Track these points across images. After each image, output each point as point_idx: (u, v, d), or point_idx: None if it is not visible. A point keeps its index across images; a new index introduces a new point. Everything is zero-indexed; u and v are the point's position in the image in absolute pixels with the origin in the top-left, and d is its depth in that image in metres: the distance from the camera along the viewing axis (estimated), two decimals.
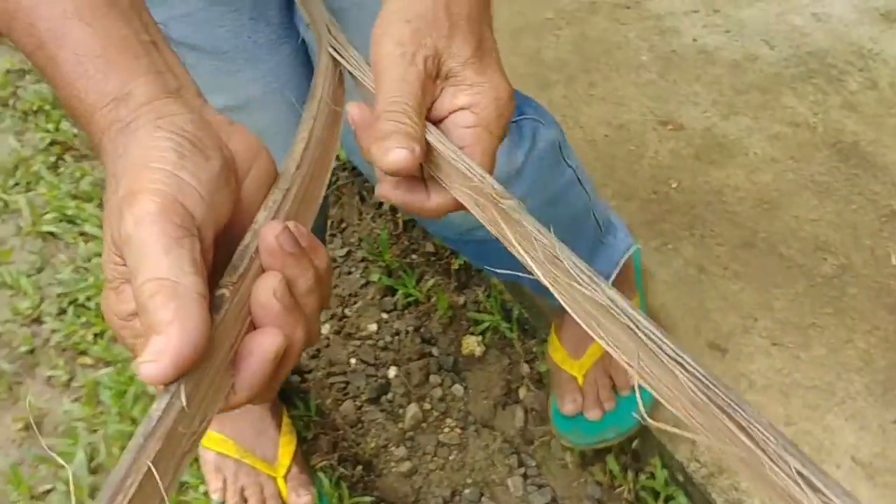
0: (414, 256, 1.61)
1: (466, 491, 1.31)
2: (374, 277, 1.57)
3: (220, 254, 0.43)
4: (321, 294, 0.44)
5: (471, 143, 0.52)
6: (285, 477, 1.24)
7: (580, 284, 0.43)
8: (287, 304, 0.41)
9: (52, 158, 1.79)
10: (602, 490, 1.26)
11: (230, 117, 0.69)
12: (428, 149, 0.52)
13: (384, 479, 1.33)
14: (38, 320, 1.50)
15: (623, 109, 1.66)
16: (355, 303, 1.56)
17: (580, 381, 1.25)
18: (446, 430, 1.38)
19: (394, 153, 0.49)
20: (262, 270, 0.42)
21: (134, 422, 1.34)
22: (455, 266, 1.55)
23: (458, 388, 1.43)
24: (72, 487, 1.32)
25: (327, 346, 1.51)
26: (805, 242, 1.40)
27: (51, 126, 1.84)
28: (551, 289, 0.45)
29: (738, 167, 1.54)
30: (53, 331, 1.47)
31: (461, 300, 1.53)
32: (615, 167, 1.55)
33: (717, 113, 1.65)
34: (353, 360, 1.48)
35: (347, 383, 1.45)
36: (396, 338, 1.51)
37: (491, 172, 0.52)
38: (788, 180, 1.50)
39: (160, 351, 0.36)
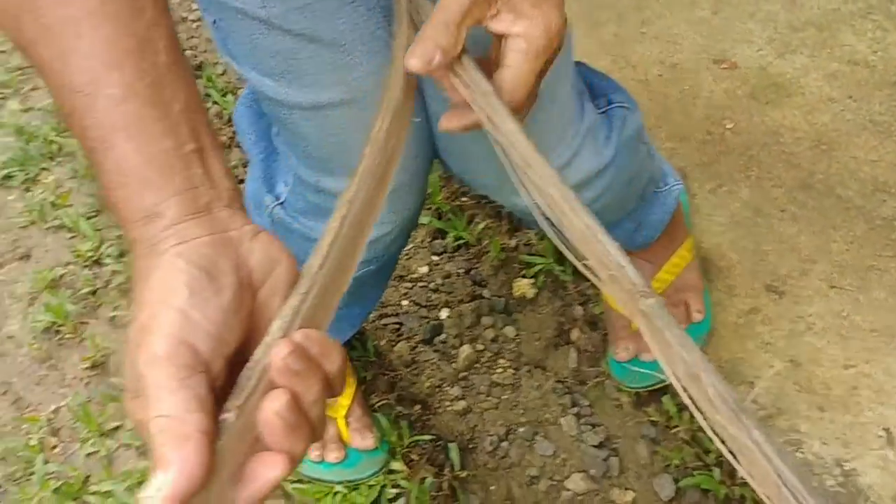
0: (464, 199, 1.62)
1: (520, 429, 1.33)
2: (425, 220, 1.57)
3: (235, 370, 0.45)
4: (332, 392, 0.47)
5: (517, 65, 0.61)
6: (346, 418, 1.27)
7: (720, 414, 0.41)
8: (291, 423, 0.43)
9: None
10: (657, 430, 1.28)
11: (342, 111, 0.77)
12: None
13: (440, 418, 1.36)
14: (98, 262, 1.53)
15: (676, 48, 1.63)
16: (406, 245, 1.57)
17: (634, 325, 1.25)
18: (499, 370, 1.41)
19: (412, 59, 0.59)
20: (272, 384, 0.45)
21: None
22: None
23: (509, 330, 1.44)
24: None
25: None
26: (864, 184, 1.39)
27: None
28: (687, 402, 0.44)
29: (794, 107, 1.52)
30: (114, 272, 1.51)
31: (513, 243, 1.53)
32: (669, 107, 1.53)
33: (773, 51, 1.62)
34: (405, 302, 1.50)
35: (401, 325, 1.47)
36: (447, 280, 1.53)
37: (533, 89, 0.62)
38: (847, 120, 1.48)
39: (161, 485, 0.39)
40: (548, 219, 0.51)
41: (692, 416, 1.26)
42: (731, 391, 0.40)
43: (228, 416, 0.43)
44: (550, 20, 0.61)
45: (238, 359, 0.46)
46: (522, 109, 0.63)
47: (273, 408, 0.43)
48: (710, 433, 0.41)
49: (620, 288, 0.47)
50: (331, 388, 0.47)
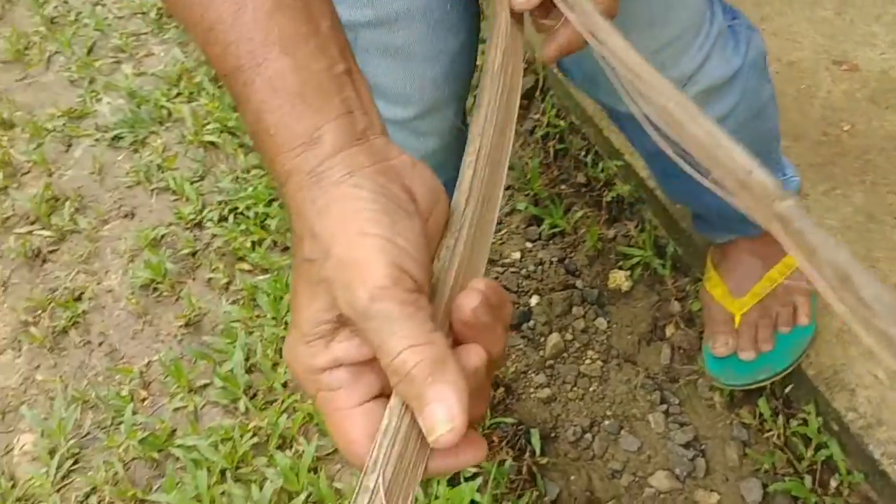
0: (563, 187, 1.59)
1: (605, 422, 1.30)
2: (521, 206, 1.56)
3: None
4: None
5: None
6: None
7: (878, 317, 0.36)
8: (482, 376, 0.41)
9: (214, 71, 1.83)
10: (749, 433, 1.24)
11: (371, 33, 0.75)
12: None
13: (523, 404, 1.34)
14: (199, 225, 1.56)
15: (795, 46, 1.57)
16: (499, 230, 1.56)
17: (737, 320, 1.21)
18: (587, 361, 1.38)
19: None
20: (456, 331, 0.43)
21: (288, 326, 1.38)
22: (608, 198, 1.53)
23: (601, 322, 1.41)
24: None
25: None
26: None
27: None
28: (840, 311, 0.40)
29: None
30: (214, 236, 1.53)
31: (611, 233, 1.50)
32: (785, 105, 1.48)
33: None
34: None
35: None
36: (540, 267, 1.51)
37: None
38: None
39: (447, 419, 0.37)
40: (662, 133, 0.46)
41: (787, 420, 1.22)
42: (889, 290, 0.36)
43: None
44: None
45: None
46: (615, 9, 0.61)
47: (472, 365, 0.41)
48: (865, 339, 0.37)
49: (751, 195, 0.42)
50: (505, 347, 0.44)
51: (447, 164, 0.94)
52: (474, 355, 0.41)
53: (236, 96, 0.44)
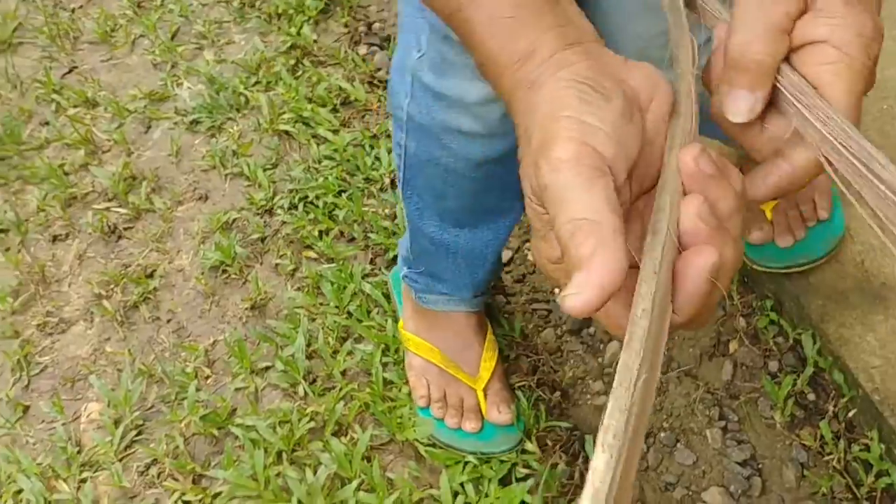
0: None
1: (662, 434, 1.29)
2: None
3: (633, 187, 0.45)
4: (742, 216, 0.44)
5: (830, 81, 0.46)
6: (485, 390, 1.27)
7: None
8: (713, 226, 0.41)
9: (292, 62, 1.87)
10: (809, 455, 1.22)
11: None
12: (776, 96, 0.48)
13: (579, 409, 1.34)
14: (270, 211, 1.59)
15: (883, 62, 1.53)
16: None
17: (768, 214, 1.31)
18: None
19: (735, 105, 0.48)
20: (684, 196, 0.43)
21: (350, 315, 1.40)
22: None
23: None
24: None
25: (533, 272, 1.51)
26: None
27: (293, 30, 1.92)
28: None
29: None
30: (283, 223, 1.56)
31: None
32: (865, 123, 1.45)
33: None
34: (556, 290, 1.48)
35: (549, 312, 1.45)
36: None
37: (856, 120, 0.46)
38: None
39: (583, 284, 0.38)
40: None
41: (849, 445, 1.19)
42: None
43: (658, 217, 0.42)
44: (864, 23, 0.47)
45: (636, 176, 0.45)
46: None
47: (692, 211, 0.41)
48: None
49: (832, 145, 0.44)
50: (741, 207, 0.44)
51: None
52: (705, 255, 0.40)
53: (463, 36, 0.50)
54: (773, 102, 0.49)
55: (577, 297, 0.38)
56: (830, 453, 1.20)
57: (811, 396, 1.27)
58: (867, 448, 1.17)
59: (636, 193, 0.46)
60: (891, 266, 1.28)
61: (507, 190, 1.12)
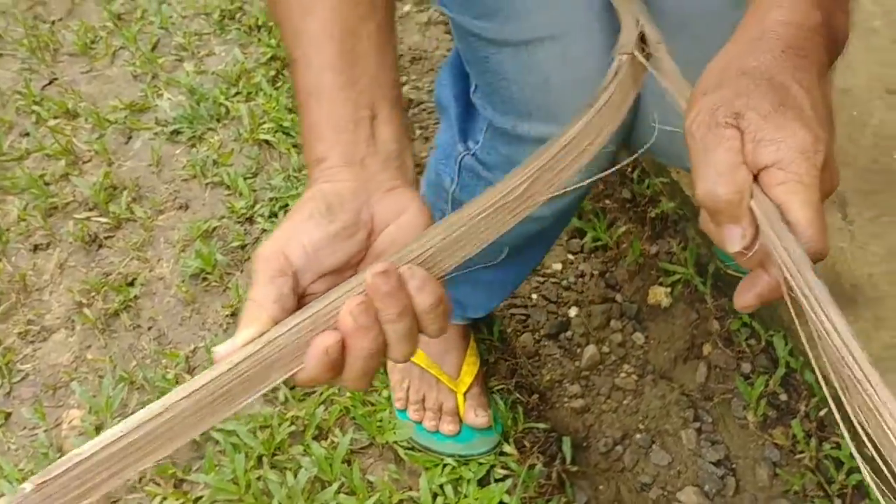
0: (608, 202, 1.61)
1: (637, 436, 1.31)
2: None
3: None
4: (421, 328, 0.56)
5: (786, 200, 0.51)
6: (465, 394, 1.28)
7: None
8: (361, 323, 0.53)
9: (272, 72, 1.89)
10: (781, 454, 1.24)
11: (548, 47, 0.83)
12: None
13: (557, 412, 1.35)
14: (250, 219, 1.61)
15: (850, 73, 1.57)
16: None
17: None
18: (623, 374, 1.39)
19: (731, 241, 0.53)
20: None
21: None
22: (652, 214, 1.54)
23: (638, 336, 1.42)
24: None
25: None
26: None
27: (273, 41, 1.94)
28: None
29: None
30: (264, 231, 1.57)
31: (653, 249, 1.51)
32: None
33: None
34: (535, 296, 1.50)
35: (528, 316, 1.47)
36: (580, 279, 1.52)
37: (816, 226, 0.50)
38: None
39: (230, 343, 0.53)
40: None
41: (820, 443, 1.22)
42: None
43: (316, 300, 0.55)
44: (801, 139, 0.51)
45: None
46: (822, 255, 0.53)
47: (349, 305, 0.53)
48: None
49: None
50: (422, 323, 0.56)
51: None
52: (324, 337, 0.54)
53: (299, 112, 0.64)
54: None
55: (221, 348, 0.52)
56: (802, 452, 1.22)
57: (783, 396, 1.30)
58: (838, 446, 1.20)
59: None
60: (860, 269, 1.31)
61: (546, 243, 1.17)
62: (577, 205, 1.09)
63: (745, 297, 0.54)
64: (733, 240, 0.53)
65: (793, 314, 0.50)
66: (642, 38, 0.66)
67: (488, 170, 1.00)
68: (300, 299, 0.56)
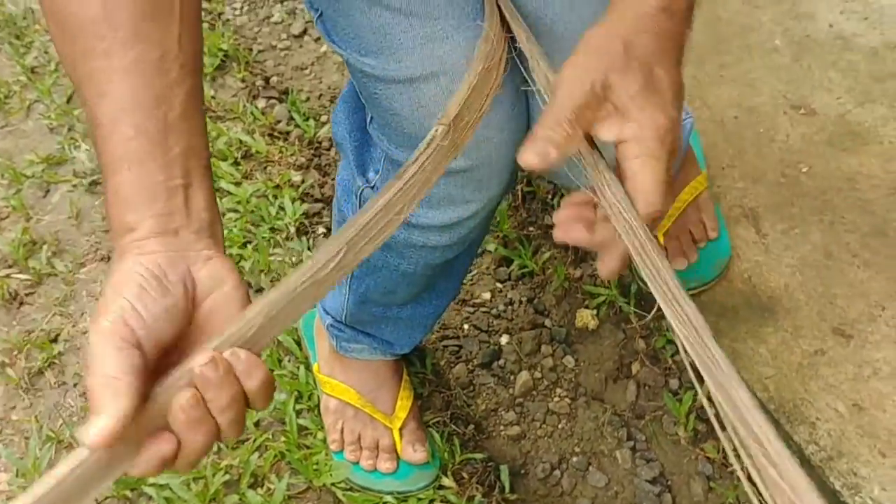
0: (531, 229, 1.63)
1: (574, 459, 1.33)
2: (491, 247, 1.59)
3: (173, 363, 0.56)
4: (253, 404, 0.57)
5: (639, 171, 0.62)
6: (401, 430, 1.28)
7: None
8: (193, 417, 0.54)
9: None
10: (713, 467, 1.26)
11: (433, 84, 0.83)
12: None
13: (493, 441, 1.36)
14: None
15: (754, 92, 1.63)
16: (470, 270, 1.59)
17: (660, 239, 1.36)
18: (556, 399, 1.40)
19: (527, 154, 0.63)
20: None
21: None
22: None
23: (569, 360, 1.44)
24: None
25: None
26: None
27: None
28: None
29: (872, 155, 1.50)
30: None
31: (577, 273, 1.54)
32: (744, 149, 1.53)
33: (852, 100, 1.61)
34: (466, 326, 1.51)
35: (460, 347, 1.48)
36: (510, 307, 1.54)
37: (663, 195, 0.62)
38: None
39: (97, 427, 0.50)
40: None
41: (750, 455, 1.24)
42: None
43: (157, 389, 0.54)
44: (658, 120, 0.62)
45: (177, 355, 0.57)
46: (662, 215, 0.64)
47: (179, 401, 0.53)
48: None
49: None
50: (250, 401, 0.57)
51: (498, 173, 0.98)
52: (181, 396, 0.54)
53: (102, 172, 0.61)
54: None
55: (93, 431, 0.50)
56: (734, 463, 1.25)
57: (711, 410, 1.32)
58: None
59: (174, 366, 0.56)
60: (776, 280, 1.35)
61: (457, 274, 1.17)
62: (482, 234, 1.10)
63: (612, 265, 0.65)
64: (540, 151, 0.63)
65: (640, 269, 0.60)
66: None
67: None
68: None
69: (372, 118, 0.97)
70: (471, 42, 0.83)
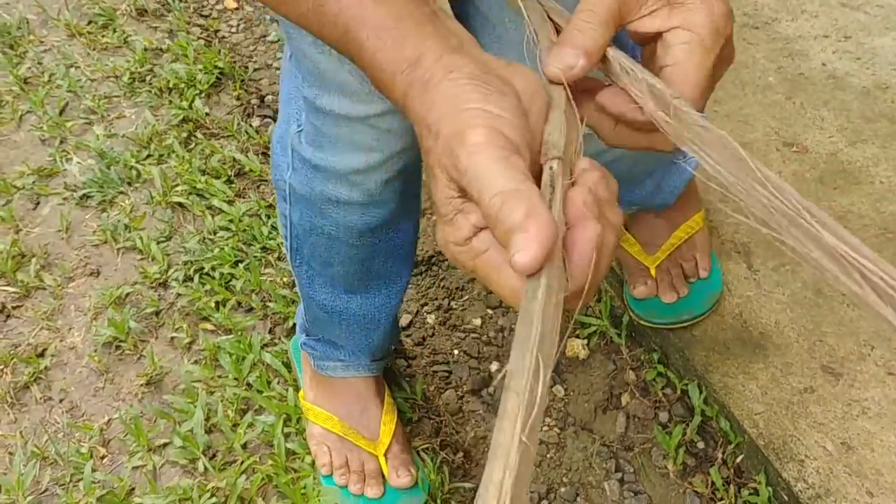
0: None
1: (562, 489, 1.32)
2: None
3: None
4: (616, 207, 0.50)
5: (683, 59, 0.54)
6: (386, 455, 1.27)
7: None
8: (595, 213, 0.46)
9: (185, 135, 1.87)
10: (701, 501, 1.26)
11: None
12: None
13: (482, 469, 1.35)
14: (164, 284, 1.58)
15: (747, 128, 1.65)
16: (462, 296, 1.59)
17: (652, 272, 1.38)
18: (545, 428, 1.40)
19: (552, 67, 0.55)
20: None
21: (250, 387, 1.39)
22: None
23: (559, 389, 1.44)
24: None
25: (432, 335, 1.54)
26: None
27: (184, 104, 1.93)
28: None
29: (863, 195, 1.52)
30: (179, 295, 1.55)
31: None
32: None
33: (844, 139, 1.63)
34: (456, 352, 1.51)
35: (450, 373, 1.48)
36: (500, 334, 1.54)
37: (706, 87, 0.54)
38: None
39: (527, 241, 0.42)
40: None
41: (738, 490, 1.25)
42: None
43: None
44: (713, 5, 0.54)
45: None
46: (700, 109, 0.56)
47: (578, 199, 0.46)
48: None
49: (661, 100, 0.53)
50: (614, 196, 0.50)
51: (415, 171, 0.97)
52: (590, 227, 0.45)
53: (353, 55, 0.55)
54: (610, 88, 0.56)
55: (524, 252, 0.41)
56: (722, 499, 1.25)
57: (700, 444, 1.33)
58: (756, 492, 1.23)
59: None
60: (767, 317, 1.36)
61: (392, 256, 1.16)
62: (402, 206, 1.08)
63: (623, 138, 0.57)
64: (565, 59, 0.54)
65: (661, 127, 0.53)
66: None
67: (310, 147, 1.01)
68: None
69: (291, 54, 0.97)
70: None
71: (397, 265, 1.19)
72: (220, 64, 2.01)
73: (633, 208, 1.36)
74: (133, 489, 1.29)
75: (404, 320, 1.53)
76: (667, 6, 0.55)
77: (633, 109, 0.55)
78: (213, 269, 1.57)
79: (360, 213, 1.04)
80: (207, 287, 1.54)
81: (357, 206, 1.03)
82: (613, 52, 0.55)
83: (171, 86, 2.00)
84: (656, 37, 0.56)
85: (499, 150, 0.45)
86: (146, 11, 2.21)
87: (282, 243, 1.61)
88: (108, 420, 1.39)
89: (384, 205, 1.04)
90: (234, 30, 2.19)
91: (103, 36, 2.16)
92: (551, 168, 0.49)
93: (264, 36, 2.17)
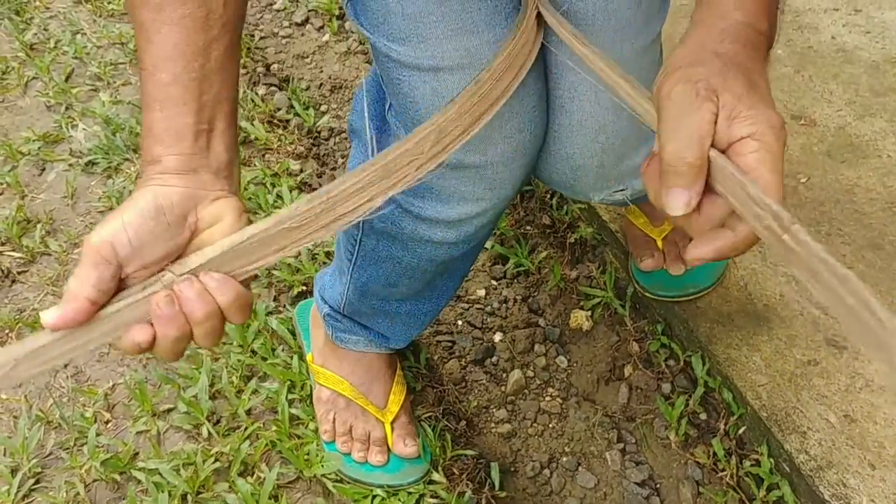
0: (528, 228, 1.63)
1: (564, 459, 1.33)
2: (487, 244, 1.59)
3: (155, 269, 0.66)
4: (225, 316, 0.66)
5: (756, 167, 0.57)
6: (393, 423, 1.28)
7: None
8: (166, 314, 0.63)
9: None
10: (703, 472, 1.27)
11: (458, 76, 0.85)
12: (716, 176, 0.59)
13: (484, 438, 1.36)
14: None
15: None
16: None
17: (659, 243, 1.39)
18: (548, 398, 1.41)
19: (676, 204, 0.59)
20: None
21: (255, 354, 1.40)
22: (571, 240, 1.57)
23: (562, 360, 1.44)
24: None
25: None
26: None
27: None
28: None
29: (870, 168, 1.51)
30: None
31: (573, 274, 1.54)
32: None
33: (852, 112, 1.62)
34: (460, 322, 1.52)
35: (454, 343, 1.48)
36: (504, 305, 1.54)
37: (780, 190, 0.58)
38: None
39: (51, 316, 0.61)
40: None
41: (740, 461, 1.25)
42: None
43: (136, 288, 0.64)
44: (771, 118, 0.59)
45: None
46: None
47: (156, 298, 0.63)
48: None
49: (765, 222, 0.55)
50: (225, 315, 0.65)
51: (513, 169, 0.97)
52: (138, 332, 0.65)
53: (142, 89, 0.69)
54: (706, 190, 0.59)
55: (44, 319, 0.63)
56: (724, 470, 1.25)
57: (703, 416, 1.33)
58: (758, 463, 1.23)
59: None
60: (772, 289, 1.36)
61: (456, 274, 1.17)
62: (487, 235, 1.10)
63: (702, 250, 0.61)
64: (678, 202, 0.59)
65: (781, 257, 0.55)
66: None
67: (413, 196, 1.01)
68: (121, 282, 0.64)
69: (391, 105, 0.97)
70: (500, 39, 0.84)
71: (455, 279, 1.20)
72: None
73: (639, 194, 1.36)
74: (137, 453, 1.30)
75: None
76: (726, 120, 0.59)
77: (731, 217, 0.59)
78: None
79: (448, 249, 1.03)
80: None
81: (449, 245, 1.02)
82: (722, 161, 0.58)
83: None
84: (722, 149, 0.59)
85: (95, 256, 0.62)
86: None
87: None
88: (113, 385, 1.40)
89: (475, 239, 1.04)
90: None
91: (109, 2, 2.15)
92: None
93: (271, 4, 2.15)
